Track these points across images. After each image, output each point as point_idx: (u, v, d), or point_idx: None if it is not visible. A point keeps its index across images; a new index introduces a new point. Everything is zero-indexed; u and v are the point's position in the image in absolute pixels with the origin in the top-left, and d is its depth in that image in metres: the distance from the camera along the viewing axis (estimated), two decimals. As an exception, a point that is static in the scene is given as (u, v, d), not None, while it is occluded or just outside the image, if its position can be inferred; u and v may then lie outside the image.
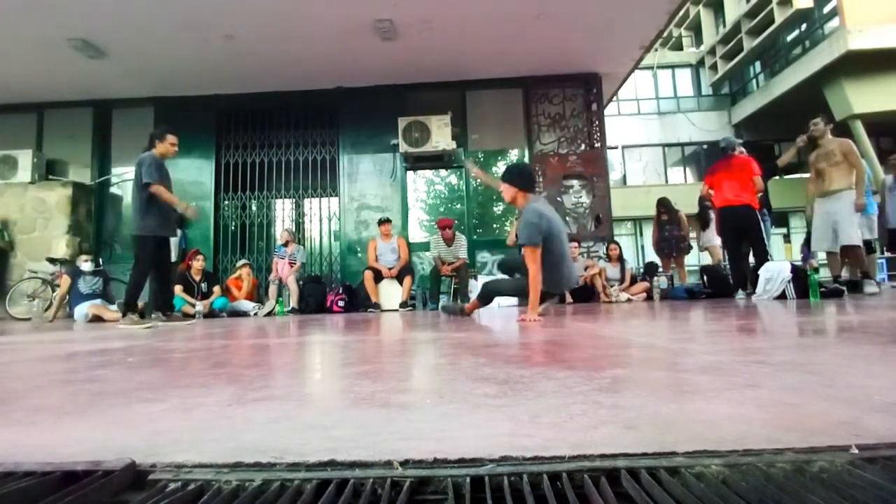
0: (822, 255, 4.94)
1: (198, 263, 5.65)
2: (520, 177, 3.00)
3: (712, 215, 6.07)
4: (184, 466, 0.52)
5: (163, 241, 4.11)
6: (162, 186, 3.86)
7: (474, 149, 7.28)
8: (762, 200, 5.13)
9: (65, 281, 5.28)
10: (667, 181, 16.53)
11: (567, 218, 6.63)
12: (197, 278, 5.62)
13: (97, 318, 4.92)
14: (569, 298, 5.82)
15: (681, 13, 5.85)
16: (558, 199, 6.65)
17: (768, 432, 0.57)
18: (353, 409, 0.78)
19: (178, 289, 5.46)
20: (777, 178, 5.61)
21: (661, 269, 6.69)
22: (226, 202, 6.91)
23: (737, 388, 0.81)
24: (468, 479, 0.47)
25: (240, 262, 6.20)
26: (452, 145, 6.31)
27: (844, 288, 4.27)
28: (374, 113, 6.75)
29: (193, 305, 5.32)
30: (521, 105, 6.93)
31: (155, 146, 3.97)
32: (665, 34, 6.82)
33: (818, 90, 12.40)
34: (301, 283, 6.05)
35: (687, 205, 7.05)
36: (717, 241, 6.21)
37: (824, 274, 5.59)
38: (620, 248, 6.33)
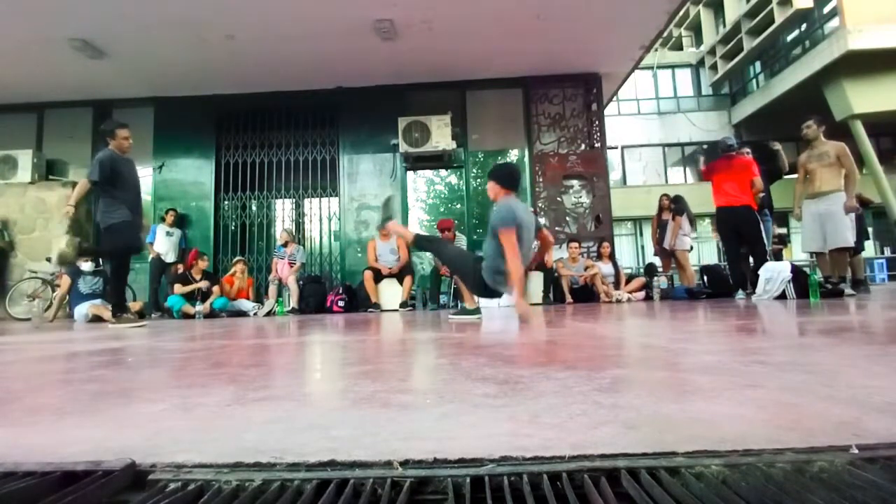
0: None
1: (202, 263, 5.68)
2: (502, 175, 3.11)
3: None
4: (184, 466, 0.52)
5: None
6: (92, 187, 3.82)
7: (474, 149, 7.28)
8: (764, 201, 5.13)
9: (65, 281, 5.28)
10: (667, 181, 16.53)
11: (567, 218, 6.64)
12: (198, 278, 5.63)
13: (97, 318, 4.92)
14: (569, 298, 5.83)
15: (681, 13, 5.85)
16: (558, 198, 6.65)
17: (768, 432, 0.57)
18: (353, 409, 0.77)
19: (177, 288, 5.48)
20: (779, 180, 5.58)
21: (660, 270, 6.69)
22: (226, 202, 6.91)
23: (737, 388, 0.81)
24: (468, 479, 0.47)
25: (235, 259, 6.22)
26: (452, 145, 6.31)
27: (844, 288, 4.27)
28: (374, 113, 6.75)
29: (193, 305, 5.33)
30: (521, 105, 6.93)
31: (108, 143, 3.91)
32: (665, 34, 6.82)
33: (818, 90, 12.40)
34: (301, 283, 6.05)
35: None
36: (686, 243, 6.18)
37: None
38: (612, 247, 6.35)
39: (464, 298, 3.29)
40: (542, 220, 6.55)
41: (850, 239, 4.34)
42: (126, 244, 3.91)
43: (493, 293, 3.09)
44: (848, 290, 4.29)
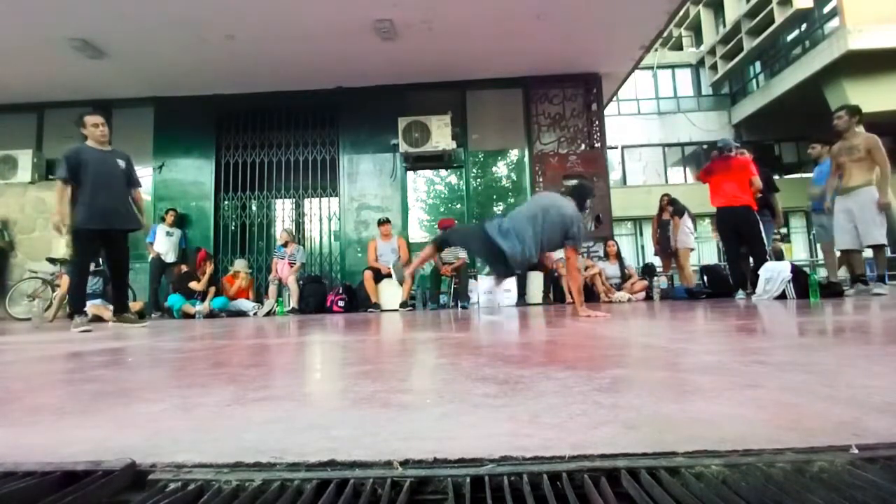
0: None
1: (210, 269, 5.71)
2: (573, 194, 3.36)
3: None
4: (184, 466, 0.52)
5: (104, 235, 3.57)
6: (67, 186, 3.45)
7: (474, 149, 7.28)
8: (765, 201, 5.12)
9: (65, 281, 5.29)
10: (667, 181, 16.52)
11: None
12: (202, 280, 5.67)
13: (97, 318, 4.91)
14: (569, 298, 5.82)
15: (681, 13, 5.85)
16: (558, 199, 6.65)
17: (768, 432, 0.57)
18: (353, 409, 0.77)
19: (193, 284, 5.57)
20: (779, 191, 5.54)
21: (660, 270, 6.69)
22: (226, 202, 6.92)
23: (737, 388, 0.81)
24: (468, 479, 0.47)
25: (239, 263, 6.23)
26: (452, 145, 6.32)
27: (875, 288, 4.19)
28: (374, 113, 6.76)
29: (193, 305, 5.34)
30: (521, 105, 6.93)
31: (86, 137, 3.61)
32: (665, 34, 6.82)
33: (818, 90, 12.40)
34: (301, 283, 6.05)
35: (687, 205, 7.03)
36: (691, 242, 6.20)
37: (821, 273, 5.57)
38: (618, 245, 6.33)
39: (462, 297, 3.33)
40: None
41: (879, 237, 4.13)
42: (80, 258, 3.57)
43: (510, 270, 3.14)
44: (879, 289, 4.10)
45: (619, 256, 6.20)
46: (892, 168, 4.44)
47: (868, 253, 4.55)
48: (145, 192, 7.31)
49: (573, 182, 3.52)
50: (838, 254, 4.76)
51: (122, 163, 3.63)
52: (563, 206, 3.09)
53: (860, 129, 4.30)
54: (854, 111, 4.33)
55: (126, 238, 3.76)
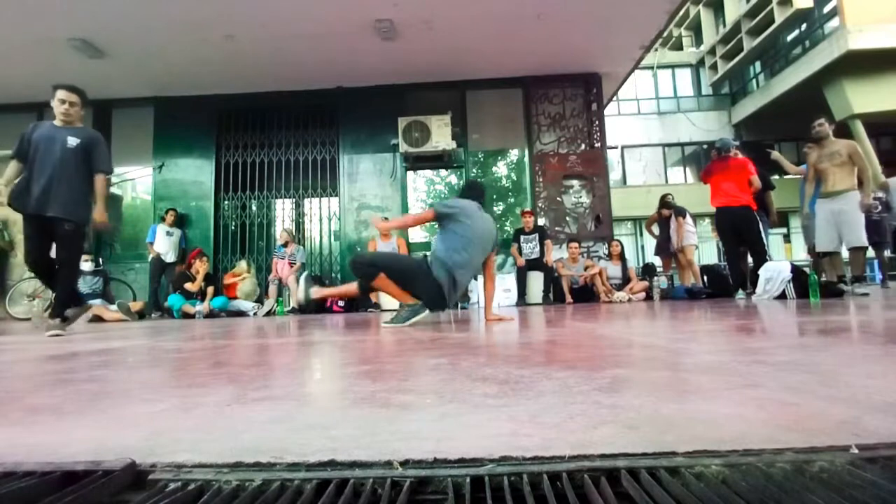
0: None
1: (203, 267, 5.69)
2: (466, 189, 3.26)
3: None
4: (184, 466, 0.52)
5: (45, 222, 3.08)
6: (20, 164, 3.06)
7: (474, 149, 7.28)
8: (761, 201, 5.13)
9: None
10: (667, 181, 16.53)
11: (567, 218, 6.63)
12: (197, 278, 5.65)
13: (97, 318, 4.92)
14: (569, 298, 5.83)
15: (681, 13, 5.85)
16: (558, 199, 6.65)
17: (768, 432, 0.57)
18: (352, 409, 0.77)
19: (188, 286, 5.55)
20: (774, 188, 5.57)
21: (660, 270, 6.69)
22: (226, 202, 6.91)
23: (737, 388, 0.81)
24: (468, 479, 0.47)
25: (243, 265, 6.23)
26: (452, 145, 6.32)
27: (848, 288, 4.27)
28: (374, 113, 6.76)
29: (193, 305, 5.34)
30: (521, 105, 6.94)
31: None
32: (665, 34, 6.82)
33: (818, 90, 12.40)
34: (301, 283, 6.05)
35: (687, 205, 7.04)
36: (694, 239, 6.21)
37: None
38: (622, 245, 6.32)
39: (462, 298, 3.31)
40: (542, 221, 6.55)
41: (864, 238, 4.32)
42: (25, 253, 3.19)
43: (444, 302, 2.93)
44: (862, 290, 4.25)
45: (622, 257, 6.19)
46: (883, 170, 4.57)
47: (845, 254, 4.70)
48: (146, 192, 7.32)
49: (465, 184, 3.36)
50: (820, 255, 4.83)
51: (73, 140, 3.05)
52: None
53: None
54: (831, 120, 4.63)
55: (71, 229, 3.13)
